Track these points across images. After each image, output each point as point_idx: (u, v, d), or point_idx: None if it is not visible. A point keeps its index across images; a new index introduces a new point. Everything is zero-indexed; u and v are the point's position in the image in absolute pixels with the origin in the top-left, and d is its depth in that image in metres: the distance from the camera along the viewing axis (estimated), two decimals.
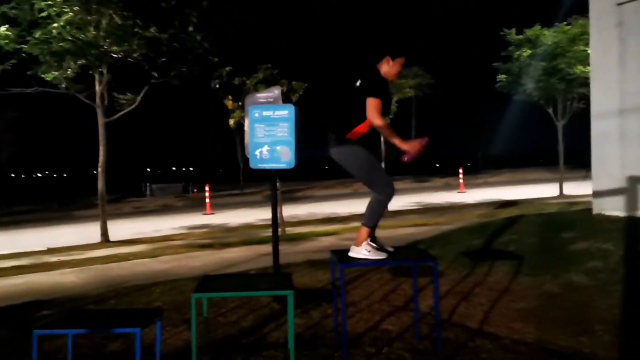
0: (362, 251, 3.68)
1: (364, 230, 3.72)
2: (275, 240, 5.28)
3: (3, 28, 9.49)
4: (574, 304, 4.55)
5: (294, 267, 6.92)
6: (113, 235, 11.60)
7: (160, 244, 10.71)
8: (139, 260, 8.80)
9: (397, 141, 3.63)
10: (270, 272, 5.88)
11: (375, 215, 3.76)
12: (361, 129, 3.67)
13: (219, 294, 3.36)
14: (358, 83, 3.78)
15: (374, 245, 3.74)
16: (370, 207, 3.79)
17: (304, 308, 4.85)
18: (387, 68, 3.82)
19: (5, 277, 7.77)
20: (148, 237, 12.09)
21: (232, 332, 4.32)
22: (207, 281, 3.63)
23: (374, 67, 3.84)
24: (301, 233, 11.08)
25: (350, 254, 3.74)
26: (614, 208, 6.95)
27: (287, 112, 5.01)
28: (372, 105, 3.60)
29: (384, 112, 3.65)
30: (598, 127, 7.31)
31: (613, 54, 6.99)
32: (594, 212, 7.26)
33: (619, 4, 6.93)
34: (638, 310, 4.37)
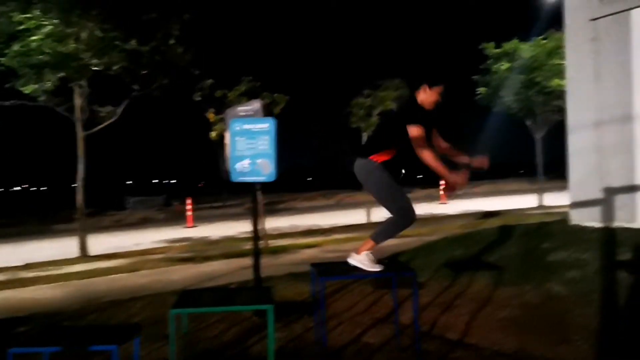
0: (360, 260, 3.75)
1: (369, 243, 3.76)
2: (256, 253, 5.26)
3: None
4: (553, 313, 4.60)
5: (275, 279, 6.89)
6: (92, 250, 11.43)
7: (140, 258, 10.58)
8: (118, 274, 8.68)
9: (443, 172, 3.63)
10: (250, 286, 5.84)
11: (387, 234, 3.79)
12: (386, 155, 3.71)
13: (197, 310, 3.34)
14: (394, 108, 3.86)
15: (372, 257, 3.78)
16: (385, 224, 3.80)
17: (285, 321, 4.82)
18: (425, 96, 3.80)
19: None
20: (128, 251, 11.93)
21: (213, 347, 4.28)
22: (186, 296, 3.60)
23: (412, 94, 3.86)
24: (283, 245, 11.04)
25: (349, 260, 3.80)
26: (591, 219, 7.06)
27: (267, 125, 5.04)
28: (415, 134, 3.58)
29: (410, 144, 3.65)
30: (574, 140, 7.44)
31: (588, 68, 7.14)
32: (572, 222, 7.37)
33: (593, 19, 7.10)
34: (615, 319, 4.44)
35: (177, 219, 21.35)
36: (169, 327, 3.15)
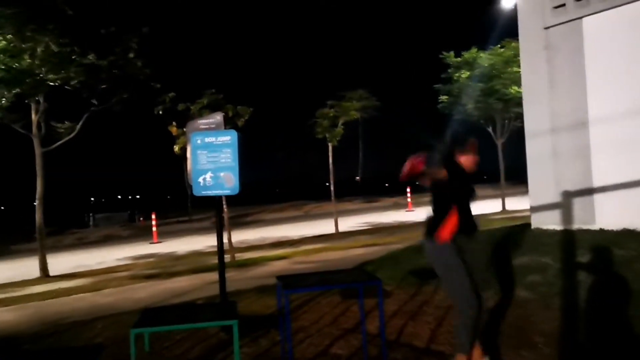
0: None
1: (461, 358, 3.48)
2: (221, 267, 5.19)
3: None
4: (516, 318, 4.68)
5: (243, 294, 6.81)
6: (53, 270, 11.10)
7: (103, 277, 10.32)
8: (81, 294, 8.44)
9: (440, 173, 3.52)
10: (216, 301, 5.76)
11: (466, 337, 3.45)
12: (449, 225, 3.49)
13: (159, 328, 3.26)
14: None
15: None
16: (457, 331, 3.55)
17: (252, 336, 4.76)
18: (463, 159, 3.62)
19: None
20: (90, 270, 11.63)
21: None
22: (148, 314, 3.51)
23: (452, 158, 3.63)
24: (251, 258, 10.95)
25: None
26: (551, 222, 7.23)
27: (229, 138, 4.99)
28: (440, 175, 3.46)
29: (465, 196, 3.57)
30: (532, 146, 7.63)
31: (542, 75, 7.35)
32: (533, 226, 7.54)
33: (546, 28, 7.32)
34: (576, 321, 4.54)
35: (142, 235, 20.97)
36: (133, 346, 3.06)
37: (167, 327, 3.17)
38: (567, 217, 7.06)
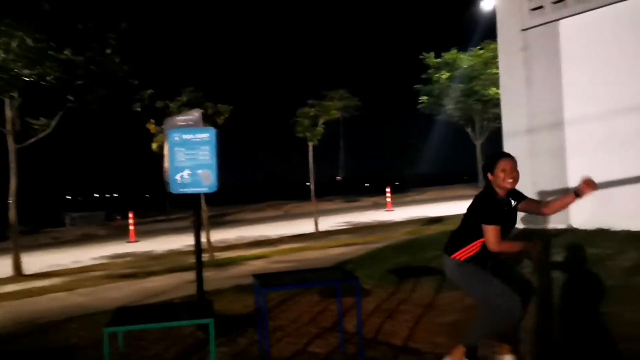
0: None
1: (459, 350, 3.48)
2: (199, 266, 5.14)
3: None
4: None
5: (221, 293, 6.76)
6: (27, 269, 10.87)
7: (79, 276, 10.14)
8: (55, 294, 8.28)
9: (520, 247, 3.52)
10: (192, 301, 5.70)
11: (478, 334, 3.46)
12: (469, 251, 3.42)
13: (133, 327, 3.21)
14: (473, 202, 3.50)
15: None
16: (476, 321, 3.50)
17: (230, 335, 4.72)
18: (496, 182, 3.40)
19: None
20: (66, 269, 11.42)
21: None
22: (123, 313, 3.46)
23: (487, 184, 3.49)
24: (230, 258, 10.87)
25: None
26: (527, 221, 7.32)
27: (208, 135, 4.95)
28: (489, 234, 3.28)
29: (505, 232, 3.37)
30: (510, 145, 7.72)
31: (520, 76, 7.45)
32: None
33: (524, 30, 7.42)
34: (550, 318, 4.60)
35: (120, 234, 20.69)
36: (108, 346, 3.01)
37: (142, 325, 3.12)
38: (543, 216, 7.16)
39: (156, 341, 4.72)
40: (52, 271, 11.18)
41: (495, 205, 3.35)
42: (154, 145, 9.62)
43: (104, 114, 13.00)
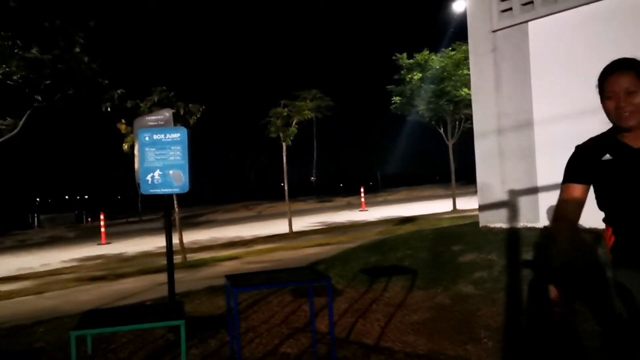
0: None
1: None
2: (170, 267, 5.07)
3: None
4: (462, 313, 4.78)
5: (193, 294, 6.70)
6: None
7: (47, 279, 9.93)
8: (22, 297, 8.09)
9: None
10: (164, 302, 5.64)
11: None
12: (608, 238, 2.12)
13: (101, 330, 3.16)
14: None
15: None
16: None
17: (201, 337, 4.68)
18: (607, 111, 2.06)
19: None
20: (33, 272, 11.16)
21: None
22: (90, 316, 3.40)
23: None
24: (203, 259, 10.77)
25: None
26: (497, 220, 7.45)
27: (179, 135, 4.89)
28: (563, 196, 2.25)
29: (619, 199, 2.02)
30: (480, 146, 7.84)
31: (489, 77, 7.56)
32: (480, 224, 7.74)
33: (494, 31, 7.53)
34: (519, 316, 4.68)
35: (90, 235, 20.33)
36: (74, 350, 2.95)
37: (110, 328, 3.07)
38: (513, 215, 7.28)
39: (125, 344, 4.65)
40: (20, 274, 10.92)
41: (578, 152, 2.20)
42: (125, 146, 9.49)
43: (73, 114, 12.76)
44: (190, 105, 10.49)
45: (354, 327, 4.70)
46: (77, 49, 9.63)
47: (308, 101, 14.73)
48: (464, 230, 7.84)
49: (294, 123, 14.68)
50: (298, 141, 15.56)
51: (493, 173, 7.56)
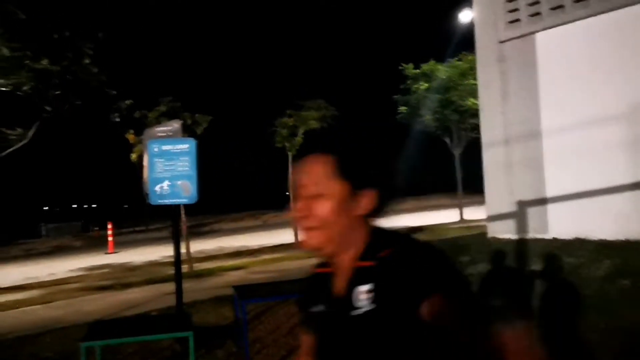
0: None
1: None
2: (178, 278, 5.07)
3: None
4: None
5: (199, 304, 6.68)
6: (0, 282, 10.63)
7: (53, 289, 9.94)
8: (28, 307, 8.10)
9: None
10: (171, 313, 5.62)
11: None
12: None
13: (111, 341, 3.15)
14: None
15: None
16: None
17: (208, 347, 4.66)
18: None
19: None
20: (40, 282, 11.17)
21: None
22: (99, 327, 3.40)
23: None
24: (209, 268, 10.76)
25: None
26: (506, 231, 7.40)
27: (187, 146, 4.91)
28: None
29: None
30: (488, 156, 7.82)
31: (497, 87, 7.56)
32: (489, 235, 7.70)
33: (501, 42, 7.54)
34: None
35: (97, 245, 20.37)
36: None
37: (119, 339, 3.06)
38: (522, 226, 7.24)
39: (131, 355, 4.64)
40: (26, 284, 10.94)
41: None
42: (133, 156, 9.53)
43: (82, 124, 12.82)
44: (197, 115, 10.55)
45: None
46: (86, 60, 9.74)
47: (313, 111, 14.77)
48: (471, 241, 7.80)
49: (300, 133, 14.72)
50: (303, 151, 15.56)
51: (501, 183, 7.52)
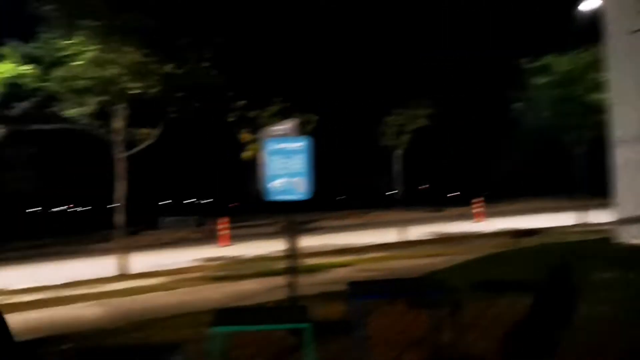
0: None
1: None
2: (292, 271, 5.26)
3: (27, 67, 9.79)
4: (596, 336, 4.44)
5: (309, 299, 6.83)
6: (129, 268, 11.63)
7: (176, 277, 10.70)
8: (155, 293, 8.81)
9: None
10: (286, 305, 5.84)
11: None
12: None
13: (237, 328, 3.36)
14: None
15: None
16: None
17: (320, 341, 4.78)
18: None
19: (26, 311, 7.82)
20: (164, 270, 12.06)
21: None
22: (223, 314, 3.62)
23: None
24: (315, 264, 11.00)
25: None
26: (638, 236, 6.84)
27: (302, 144, 5.08)
28: None
29: None
30: (620, 154, 7.26)
31: (629, 80, 7.00)
32: (617, 240, 7.16)
33: (634, 32, 6.97)
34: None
35: (211, 238, 21.56)
36: (208, 345, 3.17)
37: (245, 327, 3.25)
38: None
39: (247, 343, 4.86)
40: (152, 271, 11.86)
41: None
42: (249, 153, 10.02)
43: (199, 124, 13.66)
44: (306, 115, 10.87)
45: (476, 342, 4.55)
46: (206, 64, 10.41)
47: (420, 109, 14.60)
48: (595, 246, 7.30)
49: (407, 131, 14.62)
50: (409, 149, 15.43)
51: (635, 184, 6.96)
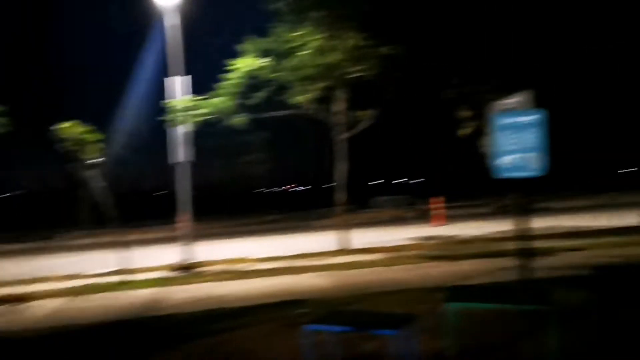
0: None
1: None
2: (524, 253, 5.00)
3: (263, 60, 10.92)
4: None
5: (541, 282, 6.46)
6: (349, 244, 12.31)
7: (393, 254, 11.00)
8: (375, 268, 9.23)
9: None
10: (520, 286, 5.58)
11: None
12: None
13: (473, 305, 3.32)
14: None
15: None
16: None
17: (558, 327, 4.47)
18: None
19: (263, 278, 8.91)
20: (381, 247, 12.46)
21: (480, 344, 4.19)
22: (456, 291, 3.62)
23: None
24: (544, 247, 10.26)
25: None
26: None
27: (535, 118, 4.76)
28: None
29: None
30: None
31: None
32: None
33: None
34: None
35: (423, 217, 21.64)
36: (442, 319, 3.20)
37: (481, 304, 3.21)
38: None
39: (476, 321, 4.74)
40: (369, 247, 12.37)
41: None
42: (467, 130, 9.75)
43: (413, 103, 13.61)
44: (529, 90, 10.11)
45: None
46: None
47: None
48: None
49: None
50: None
51: None
